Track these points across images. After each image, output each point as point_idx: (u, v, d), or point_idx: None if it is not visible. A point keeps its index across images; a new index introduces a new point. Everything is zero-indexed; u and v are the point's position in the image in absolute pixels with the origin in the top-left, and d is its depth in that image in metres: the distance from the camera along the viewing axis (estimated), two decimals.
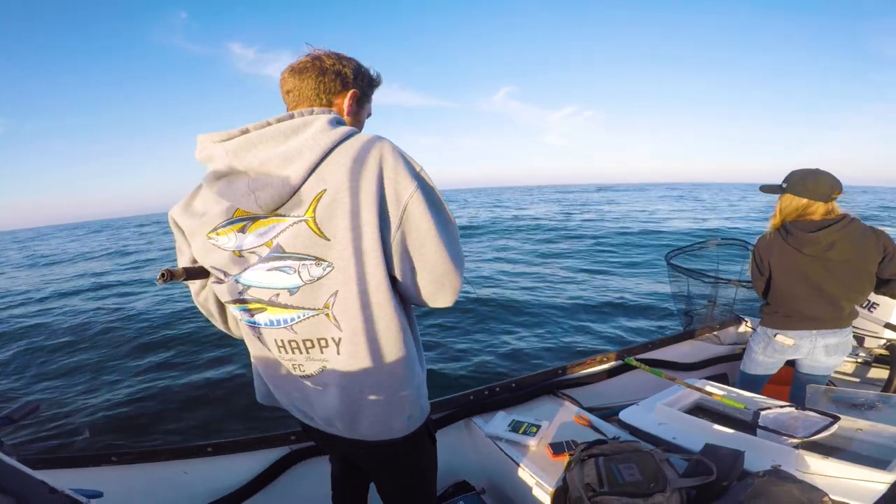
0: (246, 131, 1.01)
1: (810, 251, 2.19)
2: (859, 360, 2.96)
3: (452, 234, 1.09)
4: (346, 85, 1.15)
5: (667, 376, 2.42)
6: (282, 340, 1.11)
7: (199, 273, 1.15)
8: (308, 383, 1.15)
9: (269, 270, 1.03)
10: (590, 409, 2.33)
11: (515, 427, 2.03)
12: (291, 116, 1.03)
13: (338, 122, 1.05)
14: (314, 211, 0.97)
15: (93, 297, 11.43)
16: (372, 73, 1.22)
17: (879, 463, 1.59)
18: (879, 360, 2.87)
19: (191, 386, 5.43)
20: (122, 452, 1.90)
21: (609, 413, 2.34)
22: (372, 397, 1.10)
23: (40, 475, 1.11)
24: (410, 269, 1.06)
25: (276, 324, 1.09)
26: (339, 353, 1.07)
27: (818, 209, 2.20)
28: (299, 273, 1.01)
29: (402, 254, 1.03)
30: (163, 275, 1.07)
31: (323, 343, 1.08)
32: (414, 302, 1.16)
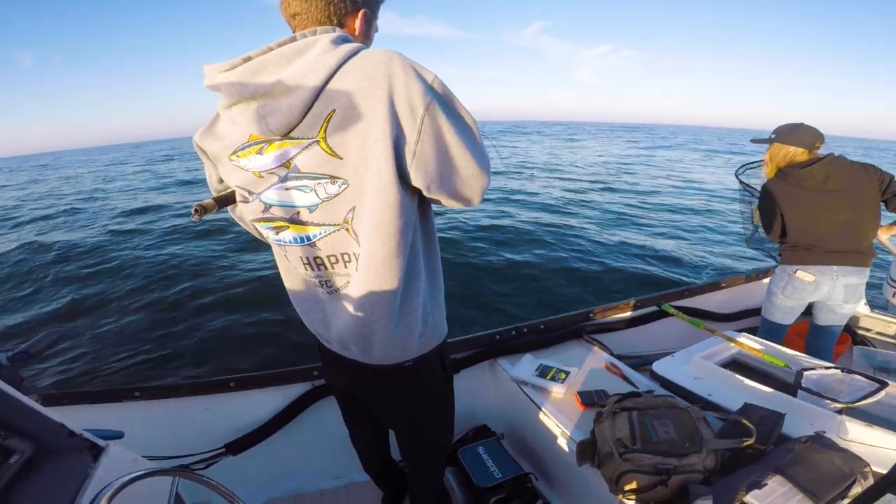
0: (248, 59, 0.99)
1: (810, 184, 2.38)
2: None
3: (473, 137, 1.07)
4: (356, 5, 1.12)
5: (705, 327, 2.35)
6: (307, 257, 1.14)
7: (228, 200, 1.18)
8: (329, 302, 1.19)
9: (287, 189, 1.05)
10: (620, 357, 2.28)
11: (543, 372, 2.00)
12: (293, 39, 1.00)
13: (343, 40, 1.01)
14: (325, 131, 0.98)
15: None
16: None
17: None
18: None
19: (218, 325, 5.49)
20: (145, 387, 1.90)
21: (640, 362, 2.29)
22: (384, 314, 1.13)
23: (60, 414, 1.09)
24: (436, 178, 1.04)
25: (299, 241, 1.12)
26: (357, 269, 1.10)
27: (802, 157, 2.43)
28: (315, 191, 1.03)
29: (425, 165, 1.01)
30: (196, 210, 1.11)
31: (346, 258, 1.10)
32: (442, 204, 1.15)
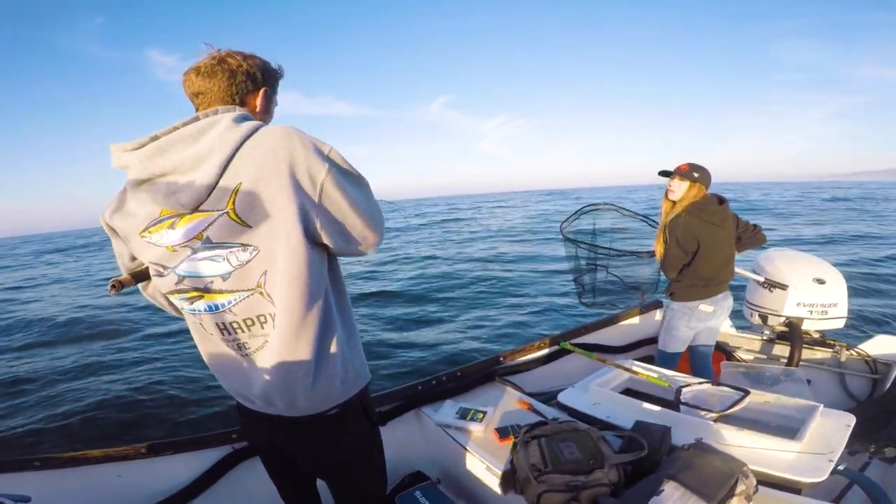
0: (155, 137, 1.03)
1: (718, 222, 2.56)
2: (764, 337, 3.16)
3: (367, 197, 1.14)
4: (256, 84, 1.17)
5: (598, 358, 2.50)
6: (223, 323, 1.13)
7: (144, 275, 1.17)
8: (249, 362, 1.17)
9: (200, 260, 1.06)
10: (531, 394, 2.39)
11: (463, 414, 2.05)
12: (197, 118, 1.05)
13: (243, 118, 1.07)
14: (234, 203, 1.01)
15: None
16: (274, 66, 1.23)
17: (788, 432, 1.70)
18: (781, 337, 3.07)
19: (124, 388, 5.09)
20: (46, 457, 1.72)
21: (549, 397, 2.40)
22: (304, 366, 1.13)
23: None
24: (337, 235, 1.09)
25: (215, 308, 1.11)
26: (274, 327, 1.10)
27: (702, 195, 2.60)
28: (228, 259, 1.05)
29: (327, 226, 1.07)
30: (113, 285, 1.11)
31: (262, 319, 1.11)
32: (345, 255, 1.20)
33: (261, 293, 1.08)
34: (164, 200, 1.02)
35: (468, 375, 2.46)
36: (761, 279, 2.93)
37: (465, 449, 1.90)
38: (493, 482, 1.77)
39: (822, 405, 1.83)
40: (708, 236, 2.53)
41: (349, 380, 1.23)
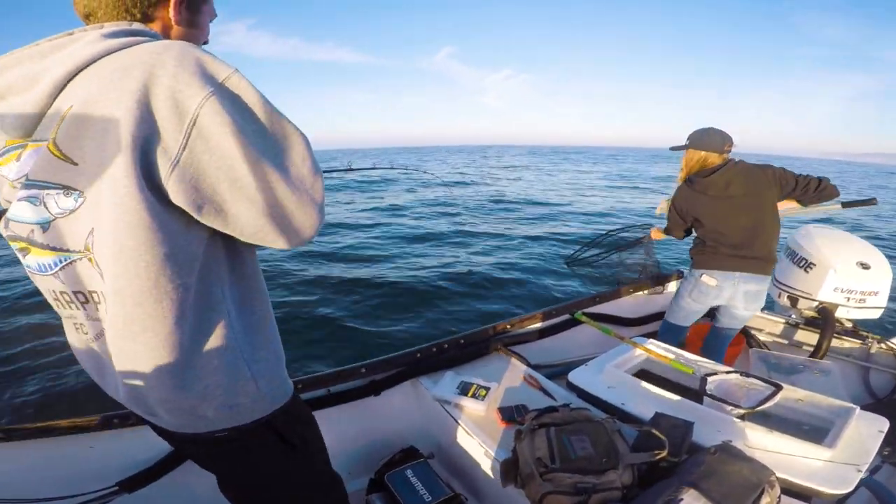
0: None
1: (713, 192, 2.35)
2: (790, 321, 2.94)
3: (282, 147, 0.78)
4: None
5: (615, 334, 2.31)
6: (54, 291, 0.86)
7: None
8: (97, 347, 0.88)
9: (19, 200, 0.80)
10: (538, 367, 2.21)
11: (464, 389, 1.87)
12: (70, 34, 0.79)
13: (126, 34, 0.79)
14: (57, 131, 0.74)
15: None
16: None
17: (818, 436, 1.54)
18: (809, 323, 2.84)
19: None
20: (11, 428, 1.54)
21: (557, 371, 2.23)
22: (156, 377, 0.81)
23: None
24: (211, 201, 0.76)
25: (42, 269, 0.84)
26: (107, 312, 0.80)
27: (714, 160, 2.39)
28: (45, 204, 0.78)
29: (198, 182, 0.73)
30: None
31: (96, 297, 0.81)
32: (241, 238, 0.84)
33: (90, 259, 0.78)
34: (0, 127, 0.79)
35: (472, 343, 2.26)
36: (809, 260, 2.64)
37: (465, 430, 1.73)
38: (490, 468, 1.61)
39: (858, 408, 1.65)
40: (703, 209, 2.40)
41: (245, 404, 0.89)
